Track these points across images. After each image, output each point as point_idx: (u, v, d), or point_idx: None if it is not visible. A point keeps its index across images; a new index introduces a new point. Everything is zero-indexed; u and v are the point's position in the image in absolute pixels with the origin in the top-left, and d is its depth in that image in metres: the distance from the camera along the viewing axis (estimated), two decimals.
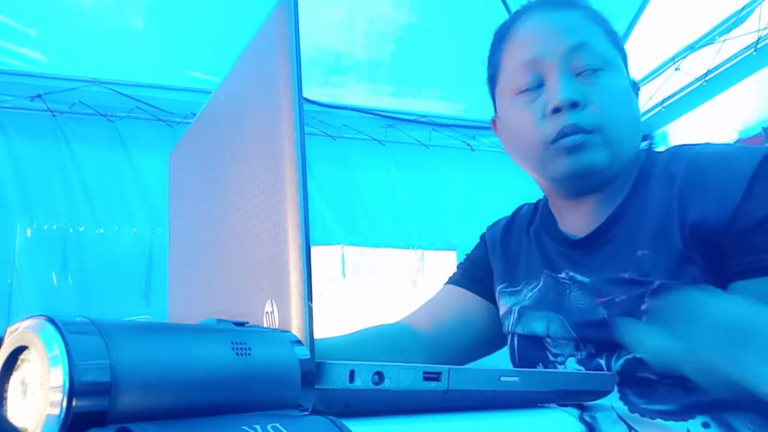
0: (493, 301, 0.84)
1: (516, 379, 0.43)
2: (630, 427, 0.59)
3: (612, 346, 0.65)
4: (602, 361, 0.66)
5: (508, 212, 0.89)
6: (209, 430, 0.27)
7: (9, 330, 0.28)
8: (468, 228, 0.94)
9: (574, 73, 0.68)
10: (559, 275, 0.73)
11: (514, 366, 0.78)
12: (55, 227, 2.50)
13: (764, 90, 2.28)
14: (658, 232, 0.63)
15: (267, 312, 0.39)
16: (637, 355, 0.61)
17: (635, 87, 0.76)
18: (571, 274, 0.71)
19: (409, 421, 0.38)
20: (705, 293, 0.44)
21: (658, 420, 0.61)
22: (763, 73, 2.25)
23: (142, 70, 2.54)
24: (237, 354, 0.31)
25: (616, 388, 0.63)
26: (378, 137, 2.94)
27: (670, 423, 0.60)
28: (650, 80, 2.72)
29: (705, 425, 0.59)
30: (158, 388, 0.27)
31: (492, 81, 0.78)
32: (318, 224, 2.73)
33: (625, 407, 0.62)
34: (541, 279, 0.75)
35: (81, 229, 2.53)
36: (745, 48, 2.30)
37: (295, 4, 0.40)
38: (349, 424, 0.29)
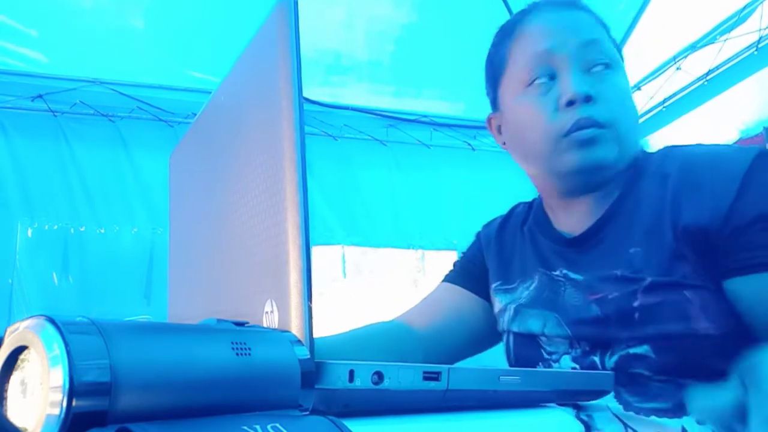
0: (488, 299, 0.85)
1: (516, 378, 0.43)
2: (626, 425, 0.60)
3: (606, 343, 0.65)
4: (596, 358, 0.66)
5: None
6: (209, 430, 0.27)
7: (9, 330, 0.28)
8: (469, 228, 0.94)
9: (585, 69, 0.68)
10: (553, 273, 0.74)
11: (510, 364, 0.79)
12: (55, 227, 2.50)
13: (765, 90, 2.28)
14: (650, 231, 0.64)
15: (267, 312, 0.39)
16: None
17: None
18: (565, 272, 0.72)
19: (408, 420, 0.38)
20: None
21: (653, 417, 0.61)
22: (765, 73, 2.25)
23: (142, 70, 2.54)
24: (237, 354, 0.31)
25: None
26: (379, 137, 2.94)
27: (665, 420, 0.60)
28: (651, 80, 2.72)
29: (699, 422, 0.59)
30: (158, 388, 0.27)
31: (495, 77, 0.77)
32: (319, 224, 2.73)
33: (620, 406, 0.62)
34: (536, 277, 0.76)
35: (82, 229, 2.53)
36: (747, 47, 2.30)
37: (295, 4, 0.40)
38: (348, 424, 0.29)
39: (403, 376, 0.37)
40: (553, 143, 0.68)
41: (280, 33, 0.40)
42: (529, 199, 0.88)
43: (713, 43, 2.41)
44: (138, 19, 2.33)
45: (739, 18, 2.31)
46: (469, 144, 3.00)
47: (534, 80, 0.70)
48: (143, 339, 0.28)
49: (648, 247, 0.63)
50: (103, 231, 2.55)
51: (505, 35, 0.76)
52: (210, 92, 0.57)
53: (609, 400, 0.63)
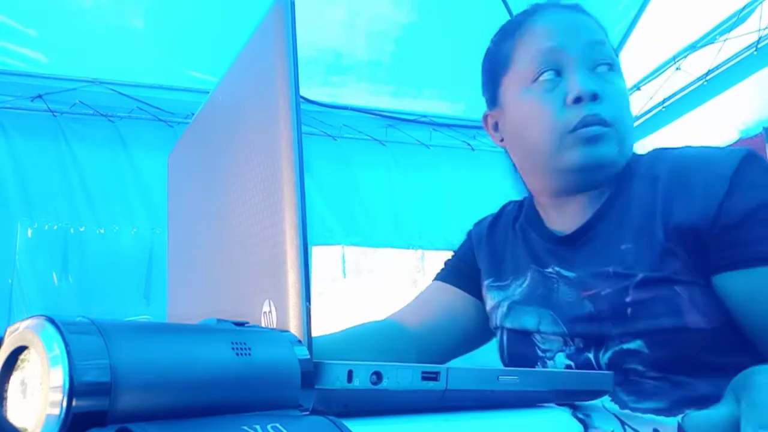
0: (479, 297, 0.85)
1: (514, 378, 0.43)
2: (623, 423, 0.61)
3: (599, 340, 0.66)
4: (590, 355, 0.67)
5: None
6: (209, 430, 0.27)
7: (9, 330, 0.28)
8: (468, 228, 0.94)
9: (590, 68, 0.70)
10: (546, 270, 0.74)
11: (503, 361, 0.79)
12: (55, 227, 2.50)
13: (765, 90, 2.28)
14: (641, 228, 0.65)
15: (265, 312, 0.39)
16: None
17: None
18: (558, 269, 0.73)
19: (407, 420, 0.38)
20: None
21: (650, 415, 0.62)
22: (764, 73, 2.25)
23: (142, 70, 2.54)
24: (237, 354, 0.31)
25: None
26: (378, 137, 2.94)
27: (662, 418, 0.61)
28: (651, 80, 2.72)
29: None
30: (158, 388, 0.27)
31: (496, 74, 0.77)
32: (318, 224, 2.74)
33: (616, 406, 0.62)
34: (528, 274, 0.77)
35: (81, 229, 2.53)
36: (746, 48, 2.30)
37: (292, 3, 0.40)
38: (348, 424, 0.29)
39: (402, 376, 0.37)
40: (558, 139, 0.69)
41: (277, 32, 0.40)
42: None
43: (713, 43, 2.41)
44: (138, 19, 2.33)
45: (738, 18, 2.31)
46: (469, 144, 3.00)
47: (539, 76, 0.70)
48: (143, 339, 0.28)
49: (639, 243, 0.64)
50: (102, 231, 2.55)
51: (509, 33, 0.76)
52: (209, 92, 0.57)
53: (605, 400, 0.63)
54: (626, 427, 0.62)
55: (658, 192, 0.65)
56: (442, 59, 2.59)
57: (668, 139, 2.64)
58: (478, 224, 0.91)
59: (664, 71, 2.64)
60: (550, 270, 0.74)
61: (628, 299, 0.63)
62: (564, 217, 0.74)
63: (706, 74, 2.45)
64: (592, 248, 0.70)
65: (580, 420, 0.48)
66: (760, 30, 2.23)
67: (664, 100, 2.66)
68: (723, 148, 0.66)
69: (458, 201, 2.91)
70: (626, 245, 0.66)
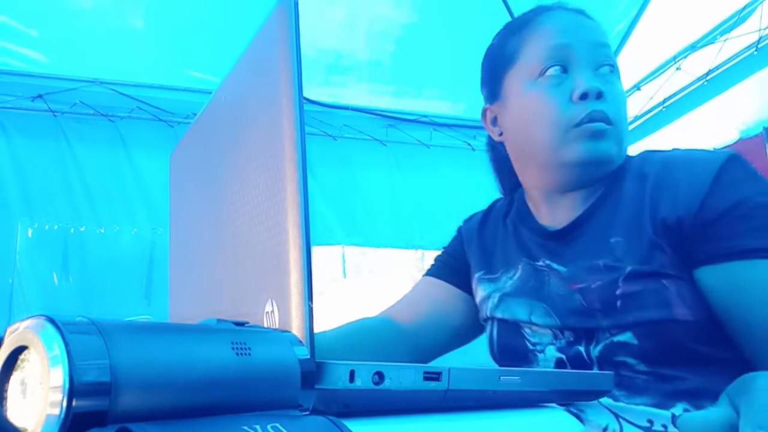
0: (469, 293, 0.86)
1: (516, 378, 0.43)
2: (617, 416, 0.61)
3: (590, 332, 0.67)
4: (582, 348, 0.68)
5: None
6: (209, 430, 0.27)
7: (9, 330, 0.28)
8: None
9: (594, 68, 0.72)
10: (536, 263, 0.75)
11: (492, 354, 0.80)
12: (56, 227, 2.50)
13: (765, 90, 2.28)
14: (630, 223, 0.67)
15: (267, 312, 0.39)
16: None
17: None
18: (549, 262, 0.74)
19: (409, 420, 0.38)
20: None
21: (643, 407, 0.63)
22: (764, 73, 2.25)
23: (142, 70, 2.54)
24: (237, 354, 0.31)
25: None
26: (379, 137, 2.94)
27: (655, 410, 0.62)
28: (651, 80, 2.72)
29: (686, 411, 0.62)
30: (158, 388, 0.27)
31: (500, 68, 0.78)
32: (319, 224, 2.73)
33: (610, 399, 0.63)
34: (519, 267, 0.78)
35: (82, 229, 2.53)
36: (747, 47, 2.30)
37: (296, 4, 0.40)
38: (349, 424, 0.29)
39: (404, 376, 0.37)
40: (562, 133, 0.70)
41: (280, 33, 0.40)
42: None
43: (713, 43, 2.41)
44: (138, 19, 2.33)
45: (739, 18, 2.31)
46: (469, 144, 3.00)
47: (546, 71, 0.72)
48: (143, 339, 0.28)
49: (628, 237, 0.66)
50: (103, 231, 2.55)
51: (516, 30, 0.77)
52: (210, 92, 0.57)
53: None
54: (620, 419, 0.63)
55: (646, 190, 0.67)
56: (443, 59, 2.59)
57: (668, 139, 2.64)
58: (468, 220, 0.92)
59: (664, 71, 2.64)
60: (541, 263, 0.75)
61: (617, 292, 0.64)
62: (556, 213, 0.76)
63: (706, 74, 2.45)
64: (583, 242, 0.71)
65: (574, 414, 0.48)
66: (760, 30, 2.23)
67: (664, 100, 2.66)
68: (709, 150, 0.68)
69: (458, 201, 2.91)
70: (616, 238, 0.67)
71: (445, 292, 0.87)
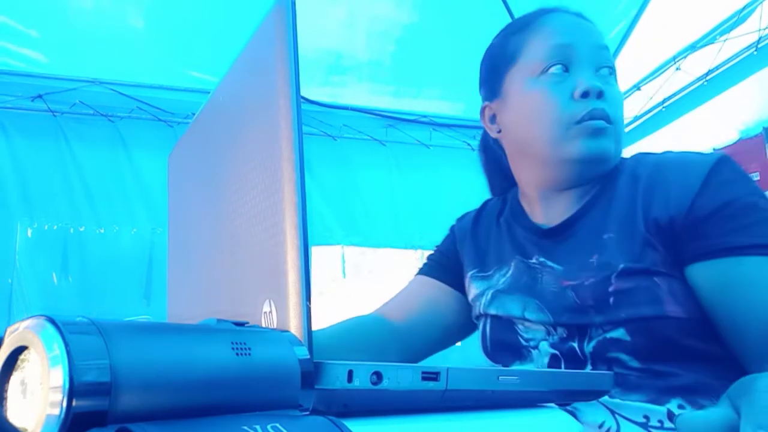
0: (461, 291, 0.87)
1: (514, 378, 0.43)
2: (613, 412, 0.62)
3: (583, 329, 0.67)
4: (575, 344, 0.68)
5: None
6: (209, 430, 0.27)
7: (9, 330, 0.28)
8: None
9: (595, 69, 0.74)
10: (529, 261, 0.76)
11: (485, 350, 0.80)
12: (55, 227, 2.50)
13: (765, 90, 2.28)
14: (623, 221, 0.68)
15: (265, 312, 0.39)
16: None
17: None
18: (542, 259, 0.75)
19: (407, 420, 0.38)
20: None
21: (638, 403, 0.64)
22: (764, 73, 2.25)
23: (142, 70, 2.54)
24: (237, 354, 0.31)
25: None
26: (378, 137, 2.94)
27: (650, 405, 0.63)
28: (651, 80, 2.72)
29: (680, 407, 0.62)
30: (158, 388, 0.27)
31: (501, 66, 0.79)
32: (318, 224, 2.74)
33: (605, 396, 0.64)
34: (512, 264, 0.78)
35: (81, 229, 2.53)
36: (746, 48, 2.30)
37: (293, 3, 0.40)
38: (348, 424, 0.29)
39: (402, 377, 0.37)
40: (563, 129, 0.71)
41: (278, 33, 0.40)
42: None
43: (713, 43, 2.41)
44: (138, 19, 2.33)
45: (738, 18, 2.31)
46: (469, 144, 3.00)
47: (549, 69, 0.73)
48: (143, 339, 0.28)
49: (621, 234, 0.68)
50: (102, 231, 2.55)
51: (518, 29, 0.79)
52: (209, 92, 0.57)
53: None
54: (616, 415, 0.63)
55: (639, 190, 0.69)
56: (443, 59, 2.60)
57: (668, 139, 2.65)
58: (460, 219, 0.93)
59: (664, 71, 2.64)
60: (534, 260, 0.76)
61: (610, 289, 0.65)
62: (550, 211, 0.77)
63: (706, 74, 2.45)
64: (577, 240, 0.72)
65: (569, 412, 0.48)
66: (760, 30, 2.23)
67: (664, 100, 2.66)
68: (700, 153, 0.70)
69: (458, 201, 2.90)
70: (608, 235, 0.69)
71: (437, 290, 0.87)
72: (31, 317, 0.27)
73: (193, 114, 0.65)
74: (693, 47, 2.51)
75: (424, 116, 2.97)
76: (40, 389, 0.25)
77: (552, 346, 0.70)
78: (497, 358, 0.78)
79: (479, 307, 0.81)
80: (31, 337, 0.26)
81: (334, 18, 2.44)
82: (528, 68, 0.75)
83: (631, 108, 2.80)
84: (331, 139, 2.87)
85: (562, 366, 0.69)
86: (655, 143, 2.68)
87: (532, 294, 0.73)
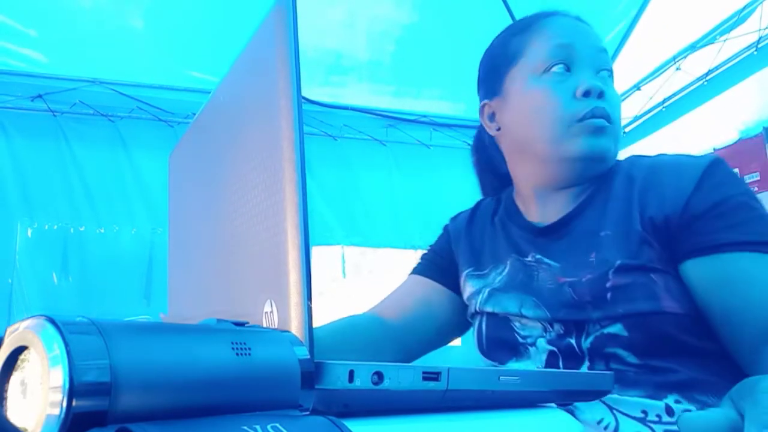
0: (454, 290, 0.87)
1: (515, 379, 0.43)
2: (612, 408, 0.62)
3: (581, 325, 0.68)
4: (572, 340, 0.69)
5: None
6: (209, 430, 0.27)
7: (9, 330, 0.28)
8: None
9: (595, 71, 0.75)
10: (525, 259, 0.77)
11: (480, 348, 0.80)
12: (55, 227, 2.50)
13: (765, 90, 2.28)
14: (619, 218, 0.69)
15: (266, 312, 0.39)
16: None
17: None
18: (538, 257, 0.75)
19: (408, 420, 0.38)
20: None
21: (637, 398, 0.64)
22: (764, 73, 2.25)
23: (142, 70, 2.54)
24: (237, 354, 0.31)
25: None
26: (379, 137, 2.94)
27: (648, 400, 0.63)
28: (651, 80, 2.72)
29: (677, 402, 0.63)
30: (158, 388, 0.27)
31: (503, 65, 0.80)
32: (318, 224, 2.74)
33: None
34: (508, 262, 0.79)
35: (81, 229, 2.53)
36: (746, 48, 2.30)
37: (294, 3, 0.40)
38: (348, 424, 0.29)
39: (403, 377, 0.37)
40: (564, 127, 0.72)
41: (278, 32, 0.40)
42: None
43: (713, 43, 2.41)
44: (138, 19, 2.33)
45: (738, 18, 2.32)
46: (469, 144, 2.98)
47: (551, 68, 0.74)
48: (143, 339, 0.28)
49: (617, 232, 0.69)
50: (102, 231, 2.55)
51: (521, 30, 0.80)
52: (210, 92, 0.57)
53: None
54: (614, 411, 0.64)
55: (634, 190, 0.70)
56: (443, 59, 2.60)
57: (668, 138, 2.65)
58: (454, 219, 0.94)
59: (664, 71, 2.64)
60: (529, 258, 0.76)
61: (608, 284, 0.66)
62: (545, 210, 0.78)
63: (706, 74, 2.45)
64: (573, 237, 0.73)
65: (567, 409, 0.48)
66: (760, 30, 2.23)
67: (664, 100, 2.66)
68: (694, 155, 0.71)
69: (458, 201, 2.90)
70: (605, 232, 0.70)
71: (431, 289, 0.88)
72: (31, 317, 0.27)
73: (194, 114, 0.65)
74: (693, 47, 2.51)
75: (424, 116, 2.97)
76: (40, 389, 0.25)
77: (549, 342, 0.71)
78: (493, 356, 0.78)
79: (475, 305, 0.81)
80: (31, 337, 0.26)
81: (334, 18, 2.44)
82: (530, 67, 0.76)
83: (631, 108, 2.81)
84: (332, 139, 2.88)
85: (560, 362, 0.70)
86: (655, 143, 2.68)
87: (529, 291, 0.74)
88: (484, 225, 0.87)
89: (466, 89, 2.75)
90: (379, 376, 0.36)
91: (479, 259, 0.84)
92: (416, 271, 0.91)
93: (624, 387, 0.64)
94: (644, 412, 0.63)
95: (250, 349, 0.31)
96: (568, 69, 0.74)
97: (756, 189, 2.21)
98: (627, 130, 2.84)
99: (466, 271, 0.85)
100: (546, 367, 0.71)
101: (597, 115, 0.72)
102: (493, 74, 0.82)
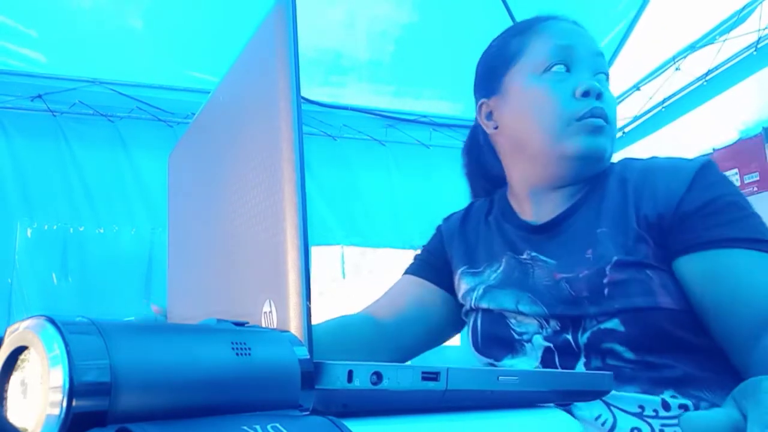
0: (448, 290, 0.88)
1: (514, 379, 0.43)
2: (608, 405, 0.63)
3: (577, 321, 0.69)
4: (569, 336, 0.69)
5: None
6: (209, 430, 0.27)
7: (9, 330, 0.28)
8: None
9: (592, 73, 0.76)
10: (520, 256, 0.77)
11: (476, 345, 0.81)
12: (55, 227, 2.50)
13: (765, 90, 2.28)
14: (615, 215, 0.71)
15: (265, 312, 0.39)
16: None
17: None
18: (533, 254, 0.76)
19: (407, 421, 0.38)
20: None
21: (633, 394, 0.65)
22: (764, 73, 2.25)
23: (142, 70, 2.54)
24: (237, 354, 0.31)
25: (583, 369, 0.67)
26: (378, 137, 2.94)
27: (645, 395, 0.64)
28: (650, 80, 2.72)
29: (673, 397, 0.64)
30: (158, 388, 0.27)
31: (503, 64, 0.81)
32: (318, 224, 2.74)
33: None
34: (503, 260, 0.79)
35: (81, 229, 2.53)
36: (746, 48, 2.30)
37: (293, 3, 0.40)
38: (347, 424, 0.29)
39: (402, 377, 0.37)
40: (563, 125, 0.73)
41: (278, 32, 0.40)
42: None
43: (712, 43, 2.41)
44: (137, 19, 2.33)
45: (738, 18, 2.32)
46: None
47: (552, 67, 0.76)
48: (143, 339, 0.28)
49: (614, 229, 0.70)
50: (102, 231, 2.55)
51: (520, 32, 0.81)
52: (210, 92, 0.57)
53: None
54: (612, 408, 0.64)
55: (628, 190, 0.71)
56: (442, 59, 2.60)
57: (668, 138, 2.65)
58: (447, 220, 0.95)
59: (664, 71, 2.64)
60: (525, 256, 0.77)
61: (605, 280, 0.67)
62: (540, 209, 0.79)
63: (706, 74, 2.45)
64: (570, 235, 0.74)
65: (565, 407, 0.48)
66: (760, 30, 2.23)
67: (664, 100, 2.66)
68: (686, 158, 0.73)
69: (458, 201, 2.90)
70: (602, 229, 0.71)
71: (424, 289, 0.88)
72: (31, 317, 0.27)
73: (193, 114, 0.65)
74: (693, 47, 2.51)
75: (424, 116, 2.97)
76: (40, 389, 0.25)
77: (546, 338, 0.71)
78: (489, 353, 0.78)
79: (470, 302, 0.81)
80: (31, 337, 0.26)
81: (334, 18, 2.44)
82: (530, 66, 0.77)
83: (631, 108, 2.81)
84: (331, 139, 2.87)
85: (556, 358, 0.70)
86: (654, 143, 2.68)
87: (525, 288, 0.74)
88: (478, 224, 0.87)
89: (465, 89, 2.73)
90: (378, 376, 0.36)
91: (474, 257, 0.84)
92: (409, 271, 0.92)
93: (620, 383, 0.65)
94: (641, 407, 0.63)
95: (250, 349, 0.31)
96: (567, 69, 0.76)
97: (756, 189, 2.21)
98: (627, 130, 2.85)
99: (461, 269, 0.85)
100: (542, 363, 0.71)
101: (596, 115, 0.73)
102: (491, 73, 0.82)
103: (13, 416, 0.27)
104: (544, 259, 0.74)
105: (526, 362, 0.73)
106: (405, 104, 2.91)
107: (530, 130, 0.76)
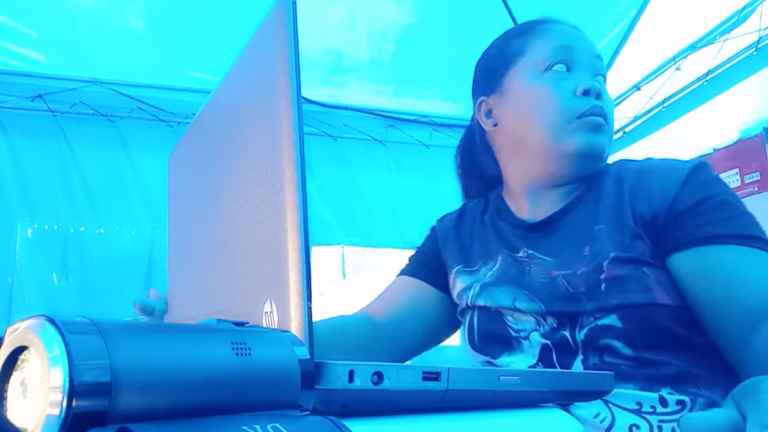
0: (443, 290, 0.88)
1: (515, 379, 0.43)
2: (606, 402, 0.63)
3: (575, 317, 0.69)
4: (566, 333, 0.69)
5: None
6: (209, 430, 0.27)
7: (9, 330, 0.28)
8: None
9: (591, 75, 0.78)
10: (516, 254, 0.78)
11: (472, 343, 0.81)
12: (55, 227, 2.50)
13: (765, 90, 2.28)
14: (612, 213, 0.71)
15: (266, 312, 0.39)
16: None
17: None
18: (530, 252, 0.77)
19: (408, 421, 0.38)
20: None
21: (632, 390, 0.65)
22: (764, 73, 2.25)
23: (142, 70, 2.54)
24: (237, 354, 0.31)
25: (581, 366, 0.68)
26: (378, 137, 2.94)
27: (642, 392, 0.65)
28: (651, 80, 2.72)
29: (670, 394, 0.64)
30: (158, 388, 0.27)
31: (504, 63, 0.82)
32: (318, 224, 2.73)
33: None
34: (499, 258, 0.80)
35: (81, 229, 2.53)
36: (746, 48, 2.30)
37: (294, 3, 0.40)
38: (348, 424, 0.29)
39: (403, 377, 0.37)
40: (564, 123, 0.74)
41: (278, 32, 0.40)
42: None
43: (713, 43, 2.41)
44: (138, 19, 2.33)
45: (738, 18, 2.31)
46: None
47: (553, 66, 0.77)
48: (143, 339, 0.28)
49: (611, 226, 0.71)
50: (102, 231, 2.55)
51: (520, 33, 0.82)
52: (210, 92, 0.57)
53: None
54: (610, 405, 0.64)
55: (624, 189, 0.73)
56: (443, 59, 2.59)
57: (668, 138, 2.64)
58: (441, 220, 0.96)
59: (664, 71, 2.64)
60: (521, 254, 0.77)
61: (602, 276, 0.68)
62: (537, 207, 0.79)
63: (706, 74, 2.45)
64: (567, 232, 0.75)
65: (563, 406, 0.48)
66: (760, 30, 2.23)
67: (664, 100, 2.66)
68: (680, 159, 0.74)
69: (458, 201, 2.90)
70: (599, 226, 0.71)
71: (420, 290, 0.88)
72: (31, 317, 0.27)
73: (194, 114, 0.65)
74: (693, 47, 2.51)
75: (424, 116, 2.97)
76: (40, 389, 0.25)
77: (543, 336, 0.71)
78: (485, 350, 0.78)
79: (467, 300, 0.81)
80: (31, 337, 0.26)
81: (334, 18, 2.43)
82: (531, 65, 0.78)
83: (631, 108, 2.80)
84: (332, 139, 2.87)
85: (553, 355, 0.70)
86: (655, 143, 2.68)
87: (521, 285, 0.75)
88: (473, 223, 0.88)
89: (466, 89, 2.73)
90: (379, 376, 0.36)
91: (469, 256, 0.85)
92: (404, 272, 0.92)
93: (618, 380, 0.65)
94: (639, 403, 0.64)
95: (250, 349, 0.31)
96: (568, 69, 0.77)
97: (756, 189, 2.20)
98: (627, 130, 2.84)
99: (456, 268, 0.85)
100: (539, 360, 0.71)
101: (596, 113, 0.74)
102: (492, 72, 0.83)
103: (13, 416, 0.27)
104: (541, 256, 0.75)
105: (523, 359, 0.73)
106: (405, 104, 2.91)
107: (530, 127, 0.77)
